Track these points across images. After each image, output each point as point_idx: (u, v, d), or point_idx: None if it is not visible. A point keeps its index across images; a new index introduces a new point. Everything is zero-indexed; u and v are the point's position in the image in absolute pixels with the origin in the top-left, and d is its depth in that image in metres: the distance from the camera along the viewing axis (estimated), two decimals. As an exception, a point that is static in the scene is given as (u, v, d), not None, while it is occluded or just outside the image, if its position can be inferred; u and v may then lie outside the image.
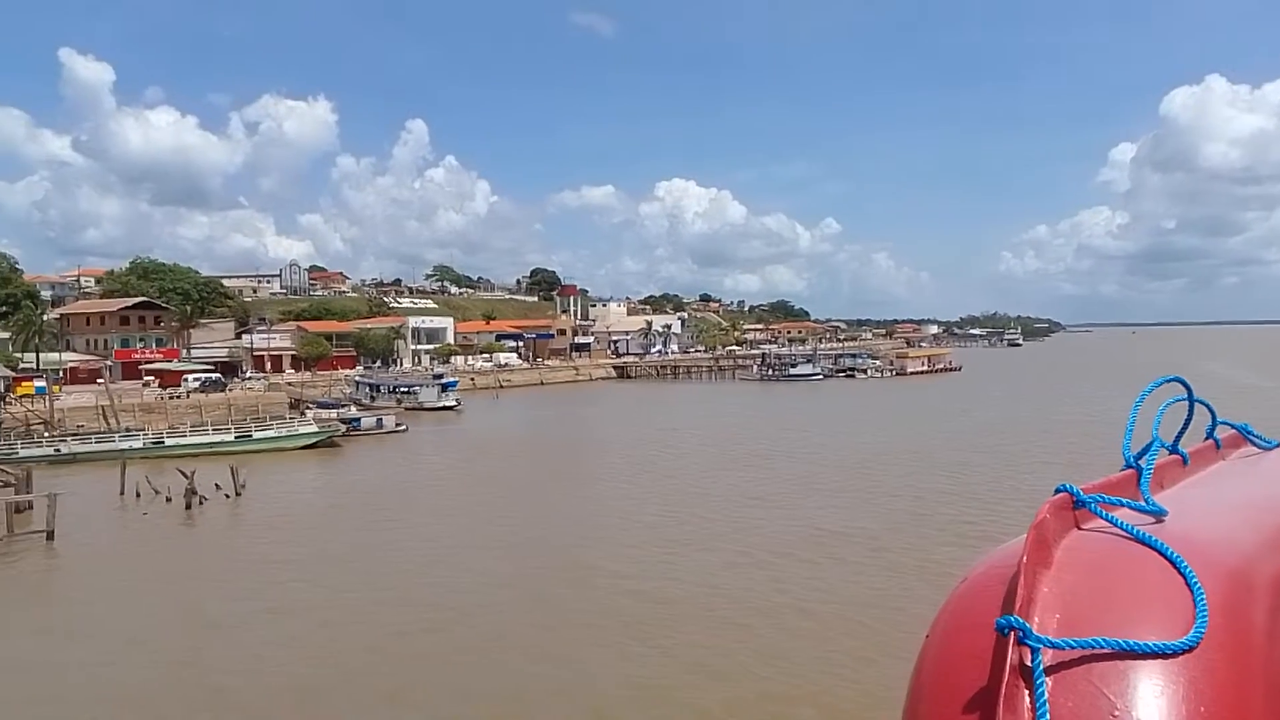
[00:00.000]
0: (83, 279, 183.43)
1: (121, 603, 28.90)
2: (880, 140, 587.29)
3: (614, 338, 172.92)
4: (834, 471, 49.39)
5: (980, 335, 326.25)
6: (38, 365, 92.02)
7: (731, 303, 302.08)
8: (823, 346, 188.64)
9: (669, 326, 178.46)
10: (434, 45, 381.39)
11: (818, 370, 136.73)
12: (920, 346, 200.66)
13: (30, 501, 39.85)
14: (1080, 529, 1.30)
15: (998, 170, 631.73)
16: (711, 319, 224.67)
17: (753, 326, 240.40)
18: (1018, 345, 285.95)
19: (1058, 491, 1.35)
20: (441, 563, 32.40)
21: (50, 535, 35.87)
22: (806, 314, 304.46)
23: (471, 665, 22.44)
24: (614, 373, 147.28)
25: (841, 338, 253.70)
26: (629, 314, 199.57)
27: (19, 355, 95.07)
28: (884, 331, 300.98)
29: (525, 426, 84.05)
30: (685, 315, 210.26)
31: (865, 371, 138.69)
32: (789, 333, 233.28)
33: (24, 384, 79.33)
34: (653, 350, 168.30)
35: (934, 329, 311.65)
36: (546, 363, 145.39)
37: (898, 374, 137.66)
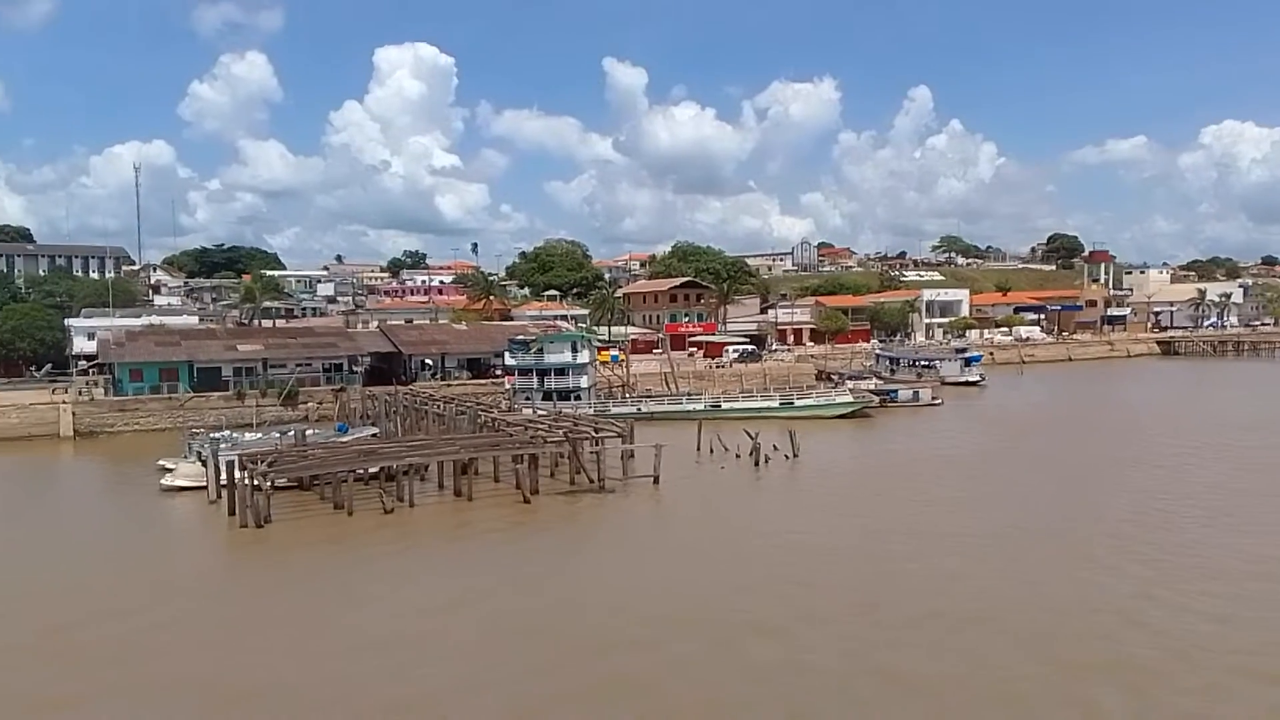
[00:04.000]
0: (630, 263, 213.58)
1: (715, 534, 33.32)
2: None
3: (1155, 309, 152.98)
4: None
5: None
6: (609, 337, 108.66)
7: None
8: None
9: (1228, 295, 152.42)
10: (939, 8, 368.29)
11: None
12: None
13: (633, 451, 47.53)
14: None
15: None
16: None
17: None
18: None
19: None
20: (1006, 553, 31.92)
21: (656, 480, 42.52)
22: None
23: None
24: (1156, 348, 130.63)
25: None
26: (1172, 281, 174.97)
27: (594, 329, 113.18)
28: None
29: (1056, 406, 78.51)
30: (1247, 282, 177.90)
31: None
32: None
33: (603, 353, 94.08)
34: (1205, 323, 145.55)
35: None
36: (1074, 336, 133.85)
37: None
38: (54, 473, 55.76)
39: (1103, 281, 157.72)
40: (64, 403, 65.92)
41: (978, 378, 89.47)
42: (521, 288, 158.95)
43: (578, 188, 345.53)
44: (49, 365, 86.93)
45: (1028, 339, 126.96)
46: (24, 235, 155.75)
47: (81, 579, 30.03)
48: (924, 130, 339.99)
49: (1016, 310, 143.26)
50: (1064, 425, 63.71)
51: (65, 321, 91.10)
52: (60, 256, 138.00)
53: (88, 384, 70.61)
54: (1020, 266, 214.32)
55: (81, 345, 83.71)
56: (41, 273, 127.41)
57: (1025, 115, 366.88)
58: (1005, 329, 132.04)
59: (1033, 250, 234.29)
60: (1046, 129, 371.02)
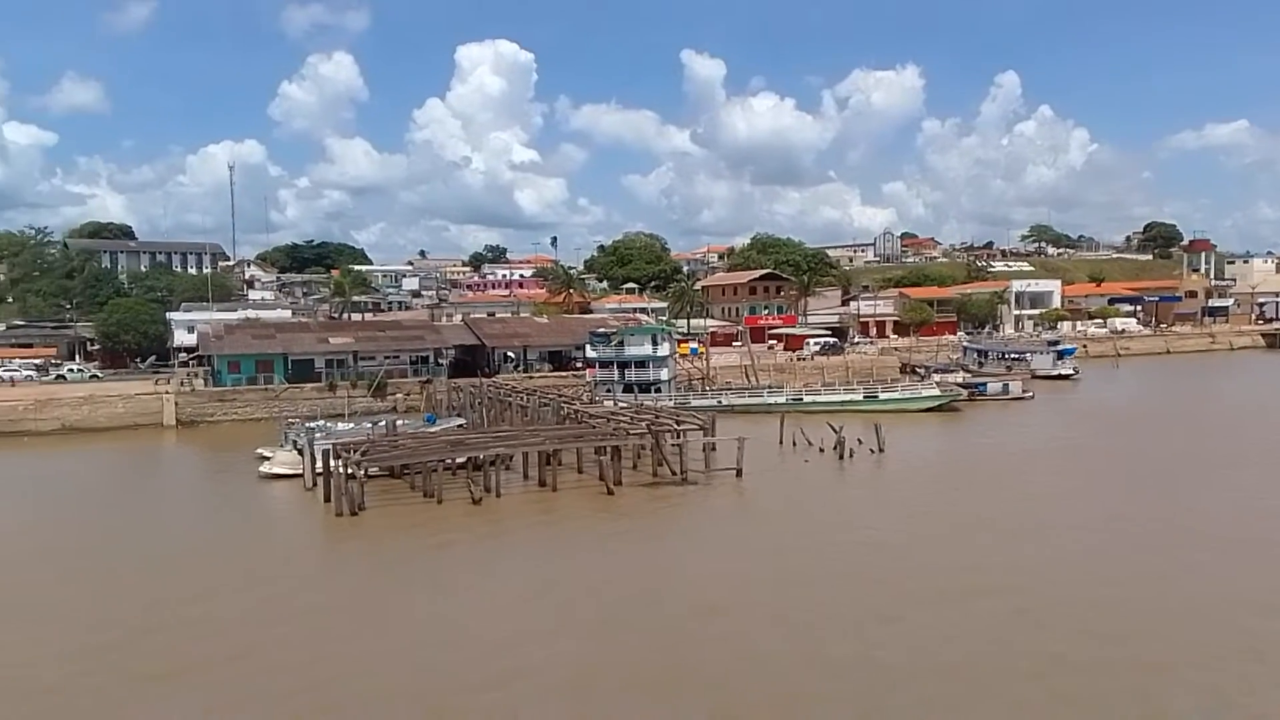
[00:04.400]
0: (708, 255, 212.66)
1: (798, 527, 32.99)
2: None
3: (1260, 300, 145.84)
4: None
5: None
6: (688, 330, 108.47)
7: None
8: None
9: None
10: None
11: None
12: None
13: (715, 444, 47.34)
14: None
15: None
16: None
17: None
18: None
19: None
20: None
21: (739, 473, 42.30)
22: None
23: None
24: (1261, 341, 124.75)
25: None
26: (1277, 271, 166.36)
27: (673, 321, 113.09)
28: None
29: (1153, 400, 75.67)
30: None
31: None
32: None
33: (683, 345, 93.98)
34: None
35: None
36: (1173, 329, 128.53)
37: None
38: (158, 460, 58.38)
39: (1203, 271, 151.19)
40: (167, 393, 68.89)
41: (1070, 371, 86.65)
42: (600, 281, 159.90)
43: (655, 180, 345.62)
44: (153, 357, 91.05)
45: (1123, 331, 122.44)
46: (126, 233, 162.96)
47: (183, 563, 31.30)
48: (1012, 117, 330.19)
49: (1111, 301, 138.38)
50: (1160, 420, 61.31)
51: (166, 315, 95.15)
52: (160, 253, 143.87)
53: (188, 375, 73.66)
54: (1114, 256, 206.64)
55: (182, 338, 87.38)
56: (143, 268, 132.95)
57: (1119, 100, 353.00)
58: (1099, 321, 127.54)
59: (1128, 239, 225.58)
60: (1141, 114, 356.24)
